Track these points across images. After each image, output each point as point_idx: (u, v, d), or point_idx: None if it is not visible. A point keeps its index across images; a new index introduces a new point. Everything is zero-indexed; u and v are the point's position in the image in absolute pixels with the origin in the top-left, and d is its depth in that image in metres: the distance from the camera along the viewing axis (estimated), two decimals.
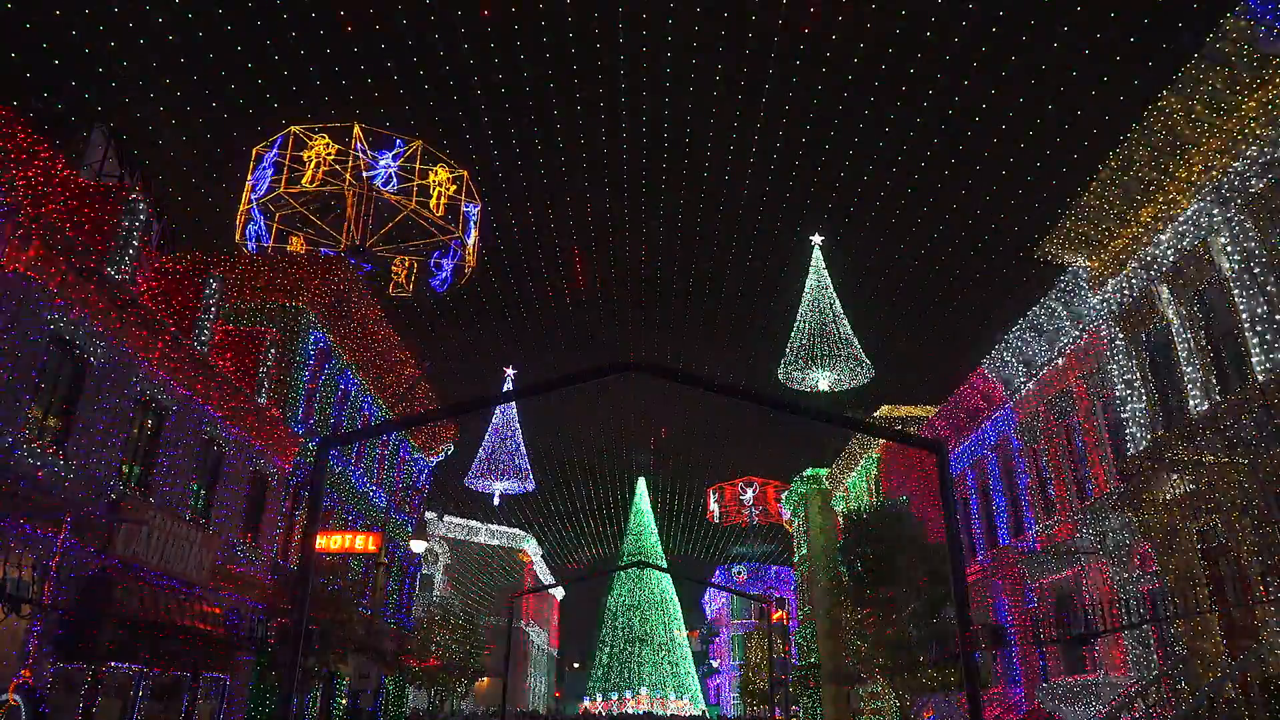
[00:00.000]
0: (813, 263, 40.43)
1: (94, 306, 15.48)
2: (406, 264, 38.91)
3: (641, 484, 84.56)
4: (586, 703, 73.35)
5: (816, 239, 40.97)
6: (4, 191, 13.17)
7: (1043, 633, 21.20)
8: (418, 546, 31.30)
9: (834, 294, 39.40)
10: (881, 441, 35.91)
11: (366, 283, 30.15)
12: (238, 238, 35.57)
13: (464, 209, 38.29)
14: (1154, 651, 18.82)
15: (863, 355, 38.43)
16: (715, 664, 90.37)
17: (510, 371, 55.35)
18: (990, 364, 26.48)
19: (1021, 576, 25.08)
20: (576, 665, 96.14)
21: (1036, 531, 24.58)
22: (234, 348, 22.11)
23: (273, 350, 23.20)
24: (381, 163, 35.57)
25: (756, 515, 67.20)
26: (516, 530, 71.19)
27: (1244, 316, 15.58)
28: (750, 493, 67.33)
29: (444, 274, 38.60)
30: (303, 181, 34.45)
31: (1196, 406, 16.93)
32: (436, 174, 36.91)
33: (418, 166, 36.32)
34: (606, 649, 76.28)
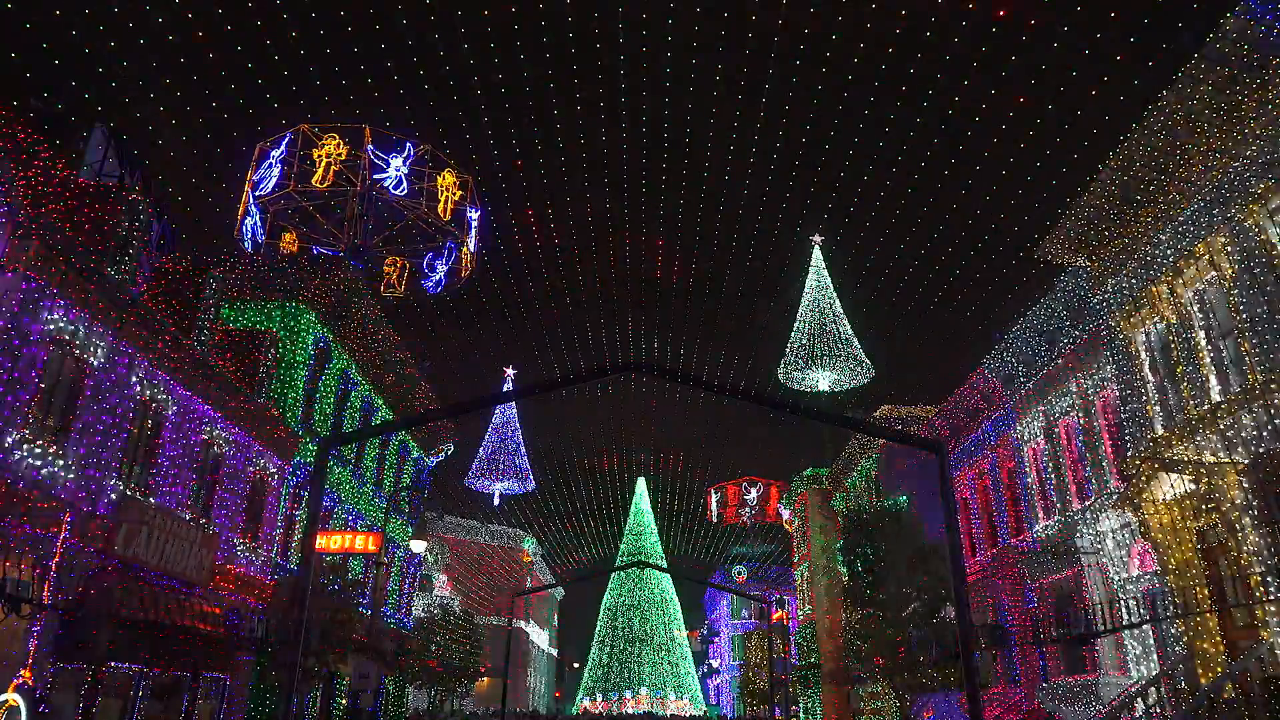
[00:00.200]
0: (813, 263, 40.42)
1: (94, 306, 15.48)
2: (399, 264, 38.98)
3: (641, 484, 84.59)
4: (587, 702, 73.35)
5: (816, 239, 40.97)
6: (4, 191, 13.17)
7: (1043, 633, 21.20)
8: (418, 546, 31.37)
9: (834, 294, 39.38)
10: (881, 441, 35.91)
11: (366, 283, 30.18)
12: (236, 233, 35.63)
13: (468, 214, 38.47)
14: (1154, 651, 18.82)
15: (863, 355, 38.41)
16: (715, 664, 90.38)
17: (510, 371, 55.33)
18: (990, 364, 26.48)
19: (1021, 576, 25.07)
20: (576, 665, 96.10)
21: (1036, 531, 24.58)
22: (234, 348, 22.11)
23: (273, 350, 23.20)
24: (393, 165, 35.70)
25: (754, 515, 67.21)
26: (516, 530, 71.18)
27: (1244, 316, 15.58)
28: (754, 492, 67.34)
29: (437, 275, 38.71)
30: (313, 180, 34.53)
31: (1196, 406, 16.93)
32: (444, 178, 37.08)
33: (427, 170, 36.51)
34: (606, 649, 76.27)
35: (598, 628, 79.25)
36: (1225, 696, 14.42)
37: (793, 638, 50.72)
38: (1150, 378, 18.88)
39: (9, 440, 13.65)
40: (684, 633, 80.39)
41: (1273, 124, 14.91)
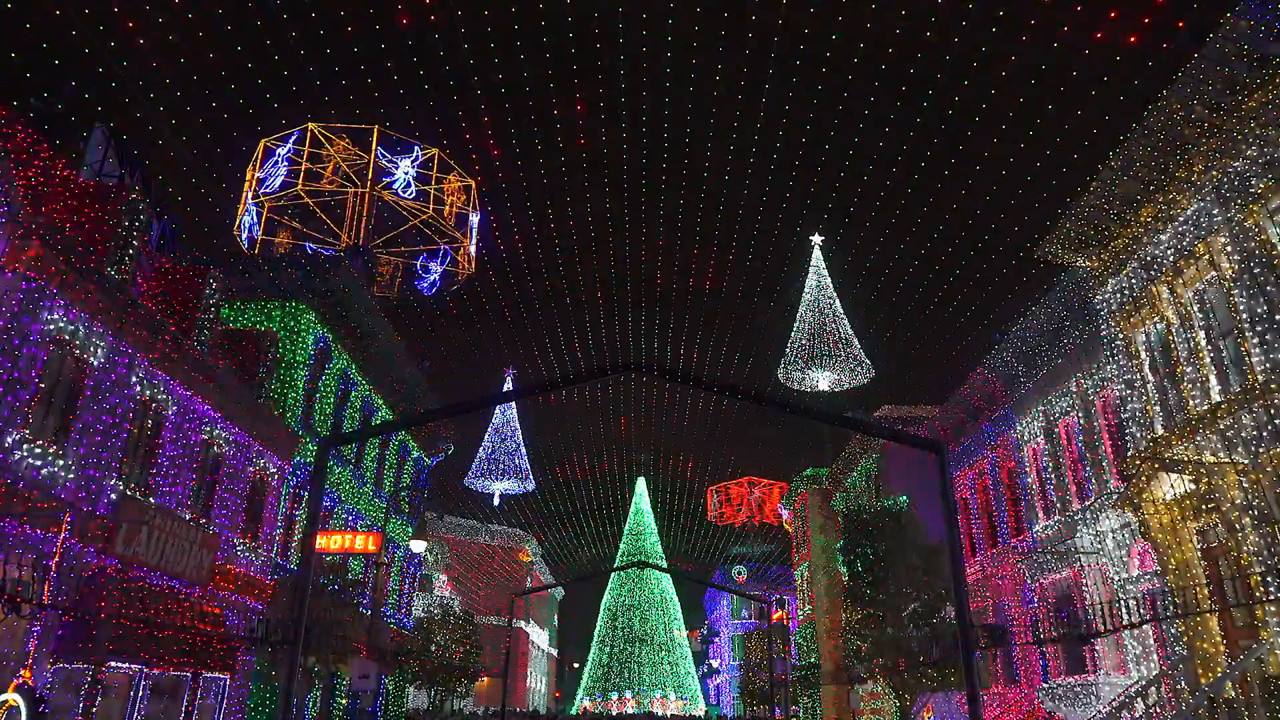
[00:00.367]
0: (813, 263, 40.40)
1: (94, 306, 15.48)
2: (392, 264, 39.11)
3: (641, 484, 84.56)
4: (587, 702, 73.34)
5: (816, 239, 40.95)
6: (4, 191, 13.17)
7: (1043, 633, 21.21)
8: (418, 546, 31.36)
9: (834, 294, 39.37)
10: (881, 441, 35.90)
11: (366, 283, 30.22)
12: (236, 229, 35.69)
13: (469, 218, 38.70)
14: (1154, 651, 18.82)
15: (863, 355, 38.40)
16: (715, 664, 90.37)
17: (510, 372, 55.34)
18: (990, 364, 26.48)
19: (1021, 576, 25.08)
20: (576, 665, 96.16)
21: (1036, 531, 24.58)
22: (234, 348, 22.11)
23: (273, 350, 23.20)
24: (401, 169, 35.92)
25: (754, 515, 67.22)
26: (516, 530, 71.17)
27: (1244, 316, 15.58)
28: (757, 492, 67.44)
29: (432, 277, 38.85)
30: (323, 180, 34.71)
31: (1196, 406, 16.93)
32: (450, 183, 37.34)
33: (434, 174, 36.71)
34: (606, 649, 76.27)
35: (598, 628, 79.25)
36: (1225, 696, 14.42)
37: (793, 638, 50.72)
38: (1150, 378, 18.88)
39: (9, 440, 13.65)
40: (684, 633, 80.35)
41: (1273, 124, 14.91)
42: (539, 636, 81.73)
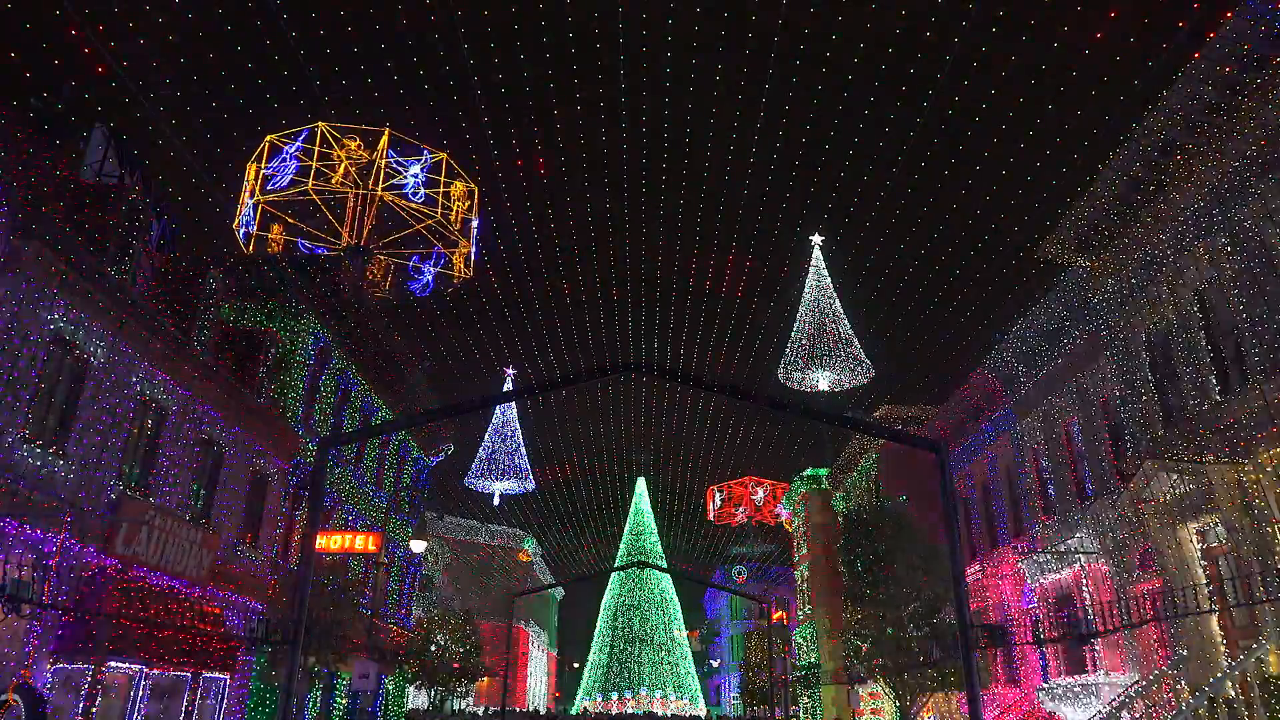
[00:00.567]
0: (813, 263, 40.38)
1: (94, 306, 15.48)
2: (383, 265, 39.21)
3: (641, 484, 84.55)
4: (587, 703, 73.34)
5: (816, 239, 40.93)
6: (4, 192, 13.18)
7: (1043, 633, 21.20)
8: (418, 546, 31.36)
9: (834, 294, 39.36)
10: (881, 441, 35.90)
11: (367, 283, 30.28)
12: (236, 224, 35.77)
13: (471, 222, 38.92)
14: (1154, 651, 18.82)
15: (863, 355, 38.39)
16: (715, 664, 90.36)
17: (510, 372, 55.32)
18: (990, 364, 26.49)
19: (1021, 576, 25.08)
20: (576, 665, 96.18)
21: (1036, 531, 24.58)
22: (234, 348, 22.10)
23: (272, 350, 23.20)
24: (410, 172, 36.14)
25: (754, 515, 67.25)
26: (516, 530, 71.15)
27: (1244, 316, 15.57)
28: (761, 492, 67.47)
29: (425, 279, 39.01)
30: (333, 180, 34.89)
31: (1196, 406, 16.92)
32: (456, 188, 37.61)
33: (442, 179, 36.97)
34: (606, 649, 76.26)
35: (598, 628, 79.25)
36: (1225, 696, 14.43)
37: (793, 638, 50.74)
38: (1150, 378, 18.88)
39: (9, 440, 13.65)
40: (684, 633, 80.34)
41: (1273, 124, 14.91)
42: (539, 636, 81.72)
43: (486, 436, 53.06)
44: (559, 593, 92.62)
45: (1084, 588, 21.53)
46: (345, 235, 36.39)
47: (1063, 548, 22.10)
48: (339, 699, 26.64)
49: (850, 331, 38.62)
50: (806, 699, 45.70)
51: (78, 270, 14.79)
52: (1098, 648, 20.60)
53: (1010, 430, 26.46)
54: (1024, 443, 25.59)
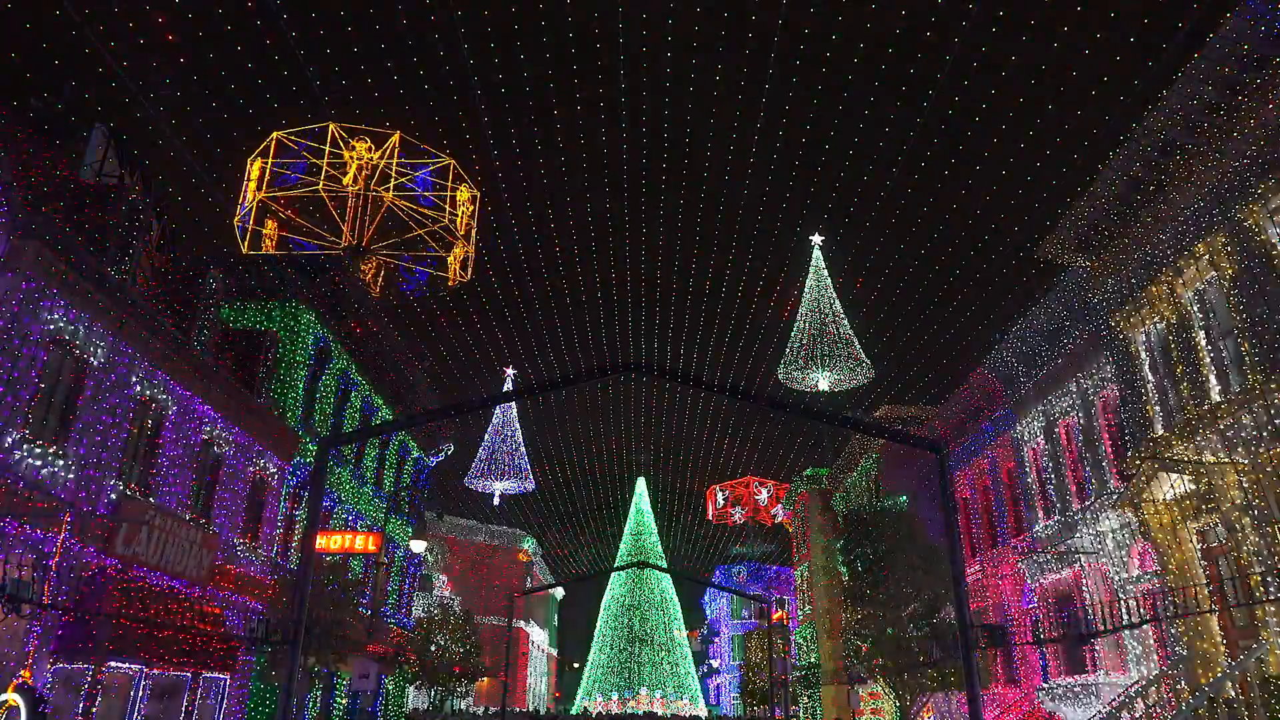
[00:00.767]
0: (813, 263, 40.37)
1: (94, 306, 15.48)
2: (374, 265, 39.28)
3: (641, 484, 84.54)
4: (587, 702, 73.35)
5: (816, 239, 40.91)
6: (4, 191, 13.18)
7: (1043, 633, 21.21)
8: (418, 546, 31.35)
9: (834, 294, 39.34)
10: (881, 441, 35.90)
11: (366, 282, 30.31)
12: (238, 220, 35.83)
13: (473, 226, 39.14)
14: (1154, 651, 18.82)
15: (863, 355, 38.38)
16: (715, 664, 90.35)
17: (510, 371, 55.29)
18: (990, 364, 26.49)
19: (1021, 576, 25.08)
20: (576, 665, 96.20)
21: (1036, 531, 24.58)
22: (234, 348, 22.11)
23: (272, 350, 23.20)
24: (419, 176, 36.40)
25: (753, 515, 67.28)
26: (516, 530, 71.13)
27: (1244, 316, 15.57)
28: (764, 492, 67.53)
29: (420, 280, 39.17)
30: (344, 181, 35.05)
31: (1196, 406, 16.93)
32: (461, 193, 37.83)
33: (449, 184, 37.14)
34: (606, 649, 76.27)
35: (598, 628, 79.25)
36: (1225, 696, 14.42)
37: (793, 638, 50.77)
38: (1150, 378, 18.88)
39: (9, 440, 13.65)
40: (684, 633, 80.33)
41: (1273, 124, 14.91)
42: (539, 636, 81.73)
43: (486, 436, 53.05)
44: (559, 593, 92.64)
45: (1084, 588, 21.54)
46: (346, 235, 36.42)
47: (1063, 548, 22.10)
48: (339, 699, 26.63)
49: (850, 331, 38.60)
50: (806, 699, 45.71)
51: (78, 270, 14.79)
52: (1098, 648, 20.61)
53: (1010, 430, 26.46)
54: (1024, 443, 25.59)
